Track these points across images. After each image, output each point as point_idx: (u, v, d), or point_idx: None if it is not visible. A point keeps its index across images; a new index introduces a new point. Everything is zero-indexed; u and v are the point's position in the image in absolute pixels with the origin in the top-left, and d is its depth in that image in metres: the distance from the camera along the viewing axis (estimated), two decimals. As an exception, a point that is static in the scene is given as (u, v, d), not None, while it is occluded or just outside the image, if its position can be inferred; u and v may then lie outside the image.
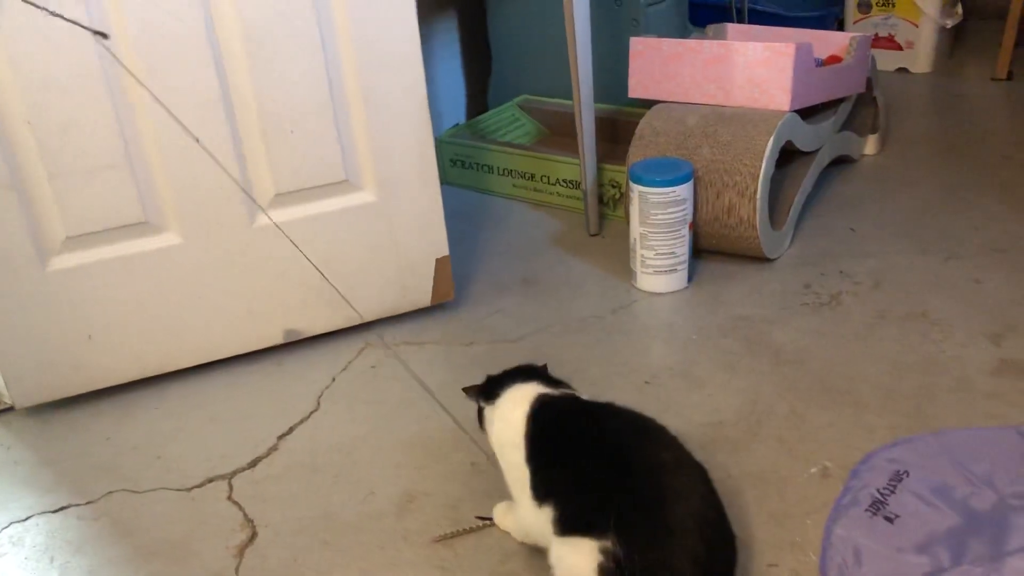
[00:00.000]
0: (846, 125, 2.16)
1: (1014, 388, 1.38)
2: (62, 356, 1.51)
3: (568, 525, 1.02)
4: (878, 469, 1.25)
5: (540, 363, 1.21)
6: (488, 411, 1.17)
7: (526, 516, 1.08)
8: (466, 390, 1.22)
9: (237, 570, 1.18)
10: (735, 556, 1.05)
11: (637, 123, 1.85)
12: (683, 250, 1.71)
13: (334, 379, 1.57)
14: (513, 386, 1.15)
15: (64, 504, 1.34)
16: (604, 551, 0.97)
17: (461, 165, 2.28)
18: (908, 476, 1.23)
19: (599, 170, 1.99)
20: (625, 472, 1.02)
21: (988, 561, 1.07)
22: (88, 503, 1.33)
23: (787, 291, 1.71)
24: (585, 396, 1.16)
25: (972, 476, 1.21)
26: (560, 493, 1.04)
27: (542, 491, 1.05)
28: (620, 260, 1.84)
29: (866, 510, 1.18)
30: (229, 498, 1.32)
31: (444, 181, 2.31)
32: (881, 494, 1.20)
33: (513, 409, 1.12)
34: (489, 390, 1.18)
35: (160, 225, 1.49)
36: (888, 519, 1.17)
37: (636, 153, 1.81)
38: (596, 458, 1.04)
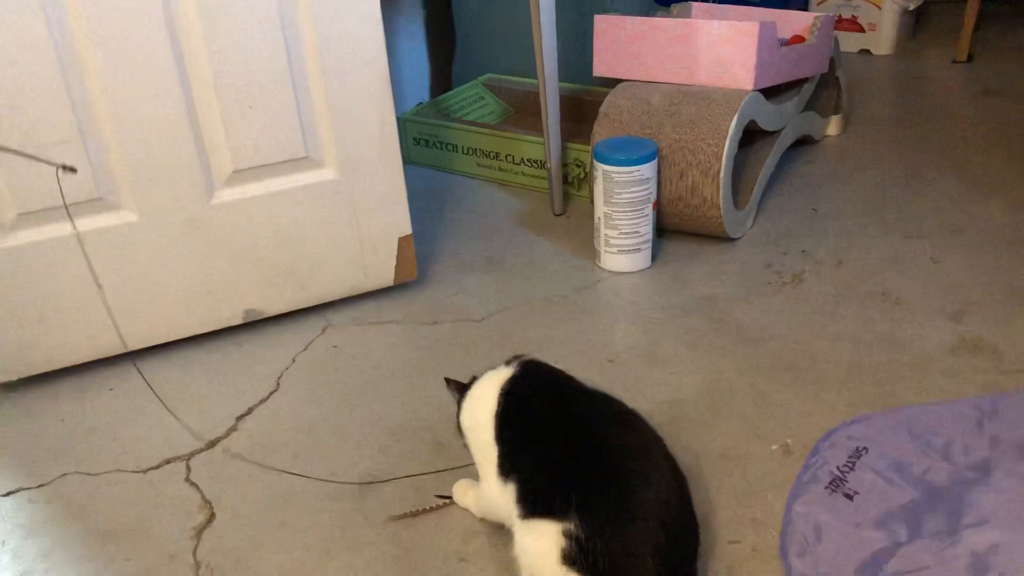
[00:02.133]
0: (809, 105, 2.17)
1: (970, 365, 1.40)
2: (14, 336, 1.47)
3: (532, 507, 1.01)
4: (838, 446, 1.26)
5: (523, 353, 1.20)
6: (462, 396, 1.16)
7: (491, 495, 1.07)
8: (448, 381, 1.20)
9: (194, 552, 1.17)
10: (697, 543, 1.05)
11: (601, 102, 1.84)
12: (647, 229, 1.70)
13: (295, 359, 1.55)
14: (489, 371, 1.14)
15: (15, 488, 1.31)
16: (567, 534, 0.97)
17: (425, 144, 2.26)
18: (867, 453, 1.24)
19: (563, 149, 1.98)
20: (590, 455, 1.01)
21: (945, 535, 1.08)
22: (40, 486, 1.30)
23: (749, 270, 1.71)
24: (564, 373, 1.15)
25: (929, 451, 1.22)
26: (525, 474, 1.03)
27: (508, 471, 1.04)
28: (584, 239, 1.83)
29: (826, 487, 1.19)
30: (187, 480, 1.30)
31: (407, 160, 2.29)
32: (841, 471, 1.21)
33: (486, 389, 1.11)
34: (469, 384, 1.17)
35: (115, 202, 1.45)
36: (848, 496, 1.17)
37: (600, 132, 1.80)
38: (563, 440, 1.03)
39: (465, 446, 1.15)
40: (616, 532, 0.96)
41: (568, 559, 0.96)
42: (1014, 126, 2.22)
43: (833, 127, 2.28)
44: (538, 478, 1.02)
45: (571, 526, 0.96)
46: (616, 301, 1.67)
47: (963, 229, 1.78)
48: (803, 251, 1.76)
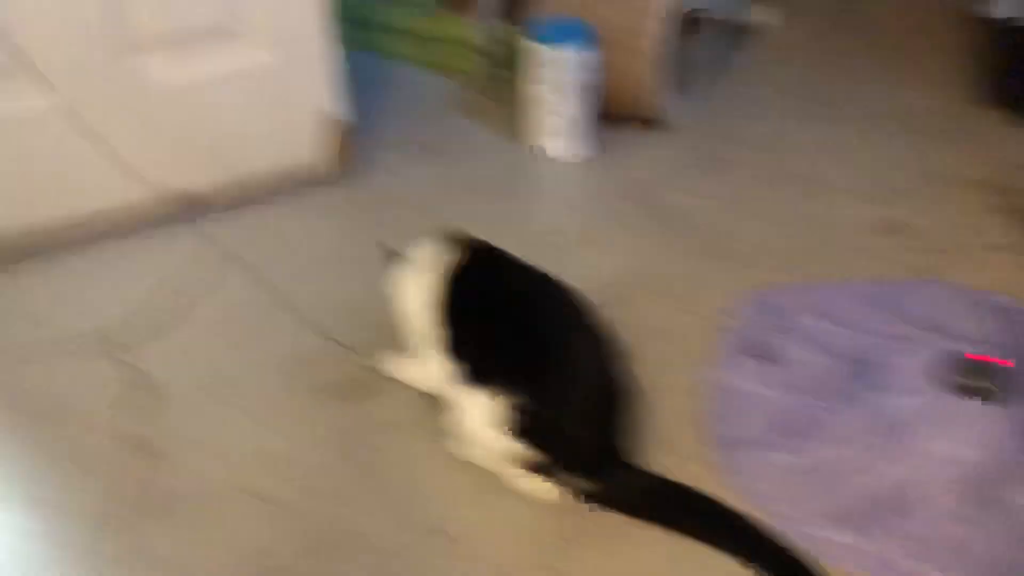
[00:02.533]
0: (745, -7, 2.16)
1: (888, 244, 1.46)
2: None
3: (473, 378, 1.04)
4: (761, 318, 1.31)
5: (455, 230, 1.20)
6: (401, 273, 1.16)
7: (432, 369, 1.10)
8: (382, 246, 1.20)
9: (131, 428, 1.17)
10: (626, 410, 1.10)
11: (537, -18, 1.80)
12: (582, 113, 1.70)
13: (231, 243, 1.52)
14: (428, 247, 1.14)
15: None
16: (503, 403, 1.01)
17: (358, 25, 2.19)
18: (791, 323, 1.29)
19: (498, 31, 1.94)
20: (528, 331, 1.05)
21: (857, 399, 1.15)
22: (-32, 368, 1.29)
23: (682, 156, 1.73)
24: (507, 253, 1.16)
25: (848, 323, 1.28)
26: (468, 351, 1.06)
27: (453, 348, 1.07)
28: (519, 123, 1.82)
29: (749, 355, 1.25)
30: (122, 360, 1.28)
31: (340, 42, 2.21)
32: (763, 340, 1.27)
33: (428, 272, 1.12)
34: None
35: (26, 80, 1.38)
36: (769, 362, 1.23)
37: (537, 13, 1.77)
38: (503, 318, 1.06)
39: (396, 316, 1.16)
40: (549, 400, 1.01)
41: (503, 425, 1.01)
42: (945, 14, 2.24)
43: (770, 15, 2.28)
44: (480, 354, 1.05)
45: (509, 395, 1.00)
46: (551, 185, 1.68)
47: (889, 115, 1.82)
48: (733, 137, 1.78)
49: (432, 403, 1.15)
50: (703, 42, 1.93)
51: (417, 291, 1.12)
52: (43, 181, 1.46)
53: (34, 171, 1.45)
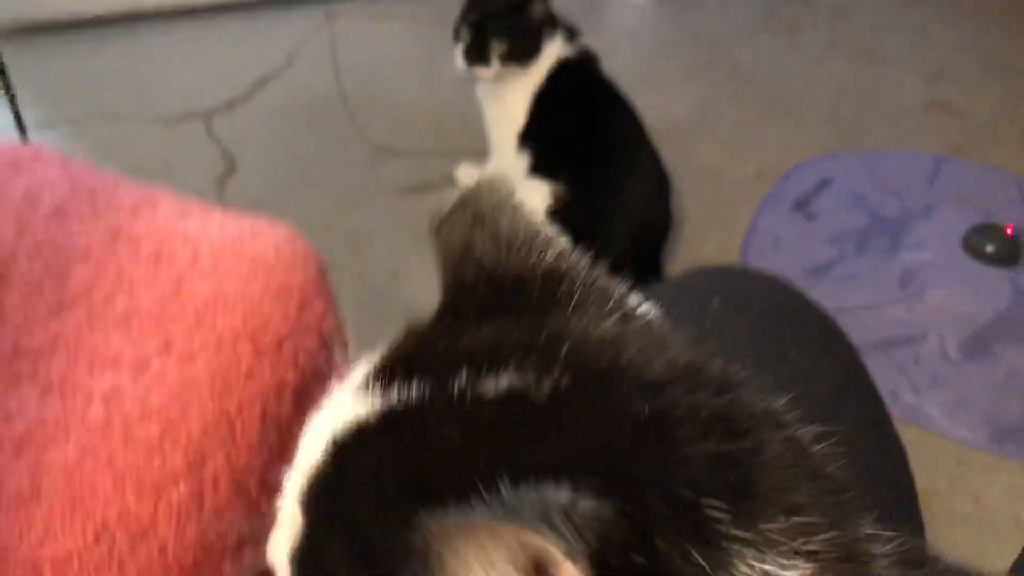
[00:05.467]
0: None
1: (937, 123, 1.53)
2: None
3: (535, 168, 1.15)
4: (807, 176, 1.40)
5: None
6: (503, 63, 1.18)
7: (506, 162, 1.20)
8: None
9: (221, 196, 1.28)
10: (667, 233, 1.20)
11: None
12: (659, -40, 1.74)
13: (307, 41, 1.60)
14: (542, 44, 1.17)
15: (46, 123, 1.37)
16: (555, 195, 1.11)
17: None
18: (831, 184, 1.38)
19: None
20: (596, 141, 1.14)
21: (885, 253, 1.26)
22: (69, 124, 1.38)
23: (751, 14, 1.77)
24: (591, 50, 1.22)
25: (886, 189, 1.37)
26: (540, 142, 1.15)
27: (527, 139, 1.16)
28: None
29: (791, 207, 1.34)
30: (208, 133, 1.38)
31: None
32: (806, 196, 1.36)
33: (541, 65, 1.16)
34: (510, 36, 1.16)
35: None
36: (808, 216, 1.33)
37: None
38: (581, 121, 1.15)
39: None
40: (596, 203, 1.11)
41: (552, 214, 1.12)
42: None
43: None
44: (549, 148, 1.15)
45: (561, 188, 1.11)
46: (620, 25, 1.73)
47: (957, 1, 1.85)
48: (805, 2, 1.82)
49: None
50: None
51: (523, 88, 1.18)
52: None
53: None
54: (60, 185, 0.44)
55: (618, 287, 0.30)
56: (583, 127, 1.14)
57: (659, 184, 1.20)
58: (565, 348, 0.26)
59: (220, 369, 0.37)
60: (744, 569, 0.22)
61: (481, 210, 0.30)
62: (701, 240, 1.28)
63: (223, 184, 1.31)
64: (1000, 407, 1.10)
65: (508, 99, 1.20)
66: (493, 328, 0.28)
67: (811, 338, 0.46)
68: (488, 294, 0.30)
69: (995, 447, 1.06)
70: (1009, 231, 1.27)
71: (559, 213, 1.11)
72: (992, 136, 1.50)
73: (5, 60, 1.45)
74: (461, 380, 0.25)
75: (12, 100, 0.80)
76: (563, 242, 0.30)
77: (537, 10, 1.13)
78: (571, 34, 1.20)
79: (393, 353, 0.28)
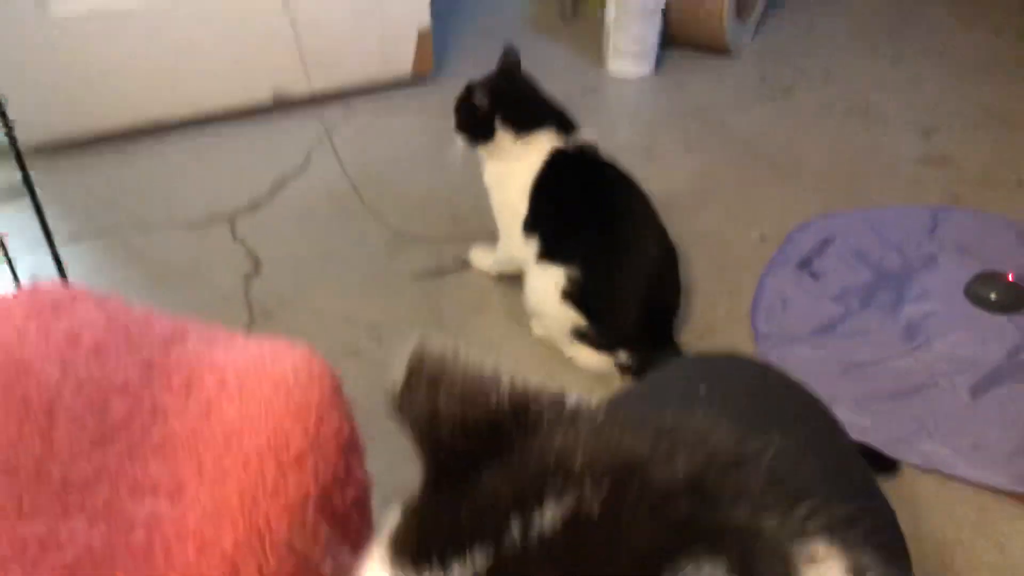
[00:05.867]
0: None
1: (933, 175, 1.57)
2: (64, 100, 1.58)
3: (545, 254, 1.20)
4: (809, 236, 1.44)
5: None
6: (499, 141, 1.25)
7: (513, 247, 1.25)
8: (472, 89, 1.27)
9: (247, 293, 1.34)
10: (678, 302, 1.24)
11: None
12: (654, 36, 1.81)
13: (322, 140, 1.68)
14: (534, 131, 1.24)
15: (78, 234, 1.46)
16: (568, 277, 1.16)
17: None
18: (834, 242, 1.42)
19: (576, -45, 2.04)
20: (601, 220, 1.19)
21: (889, 307, 1.29)
22: (100, 235, 1.46)
23: (745, 82, 1.84)
24: (591, 141, 1.27)
25: (887, 244, 1.41)
26: (546, 229, 1.21)
27: (532, 226, 1.22)
28: (592, 44, 1.93)
29: (795, 267, 1.38)
30: (232, 236, 1.45)
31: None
32: (810, 255, 1.40)
33: (534, 155, 1.22)
34: (509, 114, 1.24)
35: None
36: (813, 275, 1.37)
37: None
38: (582, 205, 1.20)
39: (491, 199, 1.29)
40: (607, 280, 1.16)
41: (566, 295, 1.16)
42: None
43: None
44: (556, 233, 1.20)
45: (573, 271, 1.16)
46: (619, 103, 1.80)
47: (946, 54, 1.91)
48: (796, 67, 1.88)
49: (508, 290, 1.30)
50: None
51: (519, 175, 1.24)
52: (166, 75, 1.62)
53: (159, 61, 1.61)
54: (97, 324, 0.49)
55: (565, 394, 0.33)
56: (586, 210, 1.19)
57: (666, 256, 1.23)
58: (578, 462, 0.28)
59: (248, 486, 0.41)
60: None
61: (432, 373, 0.33)
62: (711, 306, 1.32)
63: (249, 282, 1.37)
64: (1018, 447, 1.12)
65: (506, 186, 1.26)
66: (500, 474, 0.30)
67: (795, 419, 0.49)
68: (470, 447, 0.31)
69: (1018, 487, 1.07)
70: (1010, 277, 1.30)
71: (573, 295, 1.16)
72: (988, 185, 1.54)
73: (37, 176, 1.54)
74: (517, 530, 0.26)
75: (41, 216, 0.86)
76: (507, 373, 0.33)
77: (477, 98, 1.24)
78: (568, 127, 1.25)
79: (416, 535, 0.29)
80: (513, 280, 1.29)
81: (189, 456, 0.43)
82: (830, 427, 0.51)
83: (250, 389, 0.46)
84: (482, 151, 1.29)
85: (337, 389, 0.49)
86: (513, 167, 1.26)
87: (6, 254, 0.80)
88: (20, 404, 0.43)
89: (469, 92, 1.26)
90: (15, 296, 0.52)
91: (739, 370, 0.53)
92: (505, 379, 0.33)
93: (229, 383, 0.47)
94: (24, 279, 1.13)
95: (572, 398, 0.34)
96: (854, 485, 0.49)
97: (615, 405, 0.53)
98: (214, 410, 0.45)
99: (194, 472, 0.42)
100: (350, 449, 0.48)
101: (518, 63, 1.30)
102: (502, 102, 1.26)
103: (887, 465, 1.07)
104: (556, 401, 0.33)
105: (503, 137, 1.25)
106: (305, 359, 0.49)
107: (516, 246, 1.24)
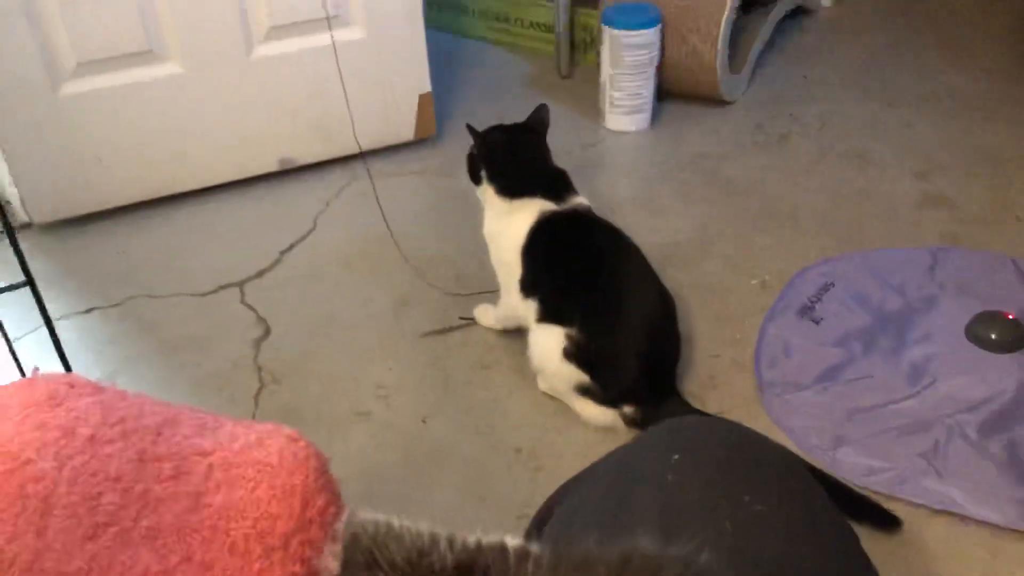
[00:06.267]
0: (806, -23, 2.27)
1: (932, 217, 1.58)
2: (74, 177, 1.62)
3: (545, 315, 1.22)
4: (809, 281, 1.45)
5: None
6: (496, 202, 1.30)
7: (513, 304, 1.27)
8: (470, 128, 1.34)
9: (256, 358, 1.37)
10: (678, 354, 1.26)
11: (610, -31, 1.94)
12: (649, 91, 1.85)
13: (328, 204, 1.72)
14: (524, 198, 1.28)
15: (91, 307, 1.49)
16: (568, 336, 1.18)
17: (438, 7, 2.36)
18: (834, 287, 1.43)
19: (571, 14, 2.09)
20: (596, 279, 1.21)
21: (891, 350, 1.29)
22: (112, 306, 1.49)
23: (741, 131, 1.87)
24: (584, 204, 1.31)
25: (887, 287, 1.42)
26: (543, 291, 1.23)
27: (530, 288, 1.24)
28: (589, 101, 1.97)
29: (796, 313, 1.39)
30: (241, 302, 1.48)
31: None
32: (810, 301, 1.41)
33: (521, 220, 1.27)
34: (496, 174, 1.31)
35: (163, 55, 1.58)
36: (814, 321, 1.38)
37: (608, -2, 1.92)
38: (575, 266, 1.23)
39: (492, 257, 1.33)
40: (607, 338, 1.18)
41: (568, 355, 1.18)
42: (1002, 1, 2.33)
43: (828, -1, 2.39)
44: (553, 295, 1.22)
45: (573, 331, 1.18)
46: (618, 157, 1.83)
47: (939, 96, 1.93)
48: (791, 114, 1.91)
49: (513, 346, 1.32)
50: (765, 24, 2.06)
51: (511, 238, 1.27)
52: (175, 149, 1.67)
53: (167, 135, 1.66)
54: (93, 414, 0.51)
55: (507, 544, 0.34)
56: (581, 271, 1.22)
57: (663, 308, 1.25)
58: None
59: (235, 571, 0.43)
60: None
61: (368, 557, 0.34)
62: (714, 355, 1.33)
63: (258, 347, 1.39)
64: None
65: (499, 244, 1.30)
66: None
67: (766, 482, 0.50)
68: None
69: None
70: (1011, 316, 1.30)
71: (574, 353, 1.18)
72: (986, 223, 1.55)
73: (47, 250, 1.58)
74: None
75: (40, 302, 0.89)
76: (442, 531, 0.35)
77: (474, 145, 1.34)
78: (561, 193, 1.29)
79: None
80: (518, 336, 1.31)
81: (178, 544, 0.45)
82: (805, 490, 0.53)
83: (236, 475, 0.48)
84: (480, 196, 1.34)
85: (323, 470, 0.51)
86: (503, 224, 1.29)
87: (8, 342, 0.83)
88: (17, 499, 0.45)
89: (481, 135, 1.33)
90: (14, 387, 0.54)
91: (713, 435, 0.54)
92: (444, 542, 0.35)
93: (216, 470, 0.49)
94: (30, 359, 1.16)
95: (514, 546, 0.35)
96: (827, 547, 0.50)
97: (570, 513, 0.54)
98: (202, 497, 0.47)
99: (182, 559, 0.44)
100: (336, 530, 0.49)
101: (542, 122, 1.35)
102: (493, 160, 1.30)
103: (887, 520, 1.06)
104: (500, 554, 0.35)
105: (488, 189, 1.30)
106: (291, 442, 0.51)
107: (515, 302, 1.27)
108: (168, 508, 0.46)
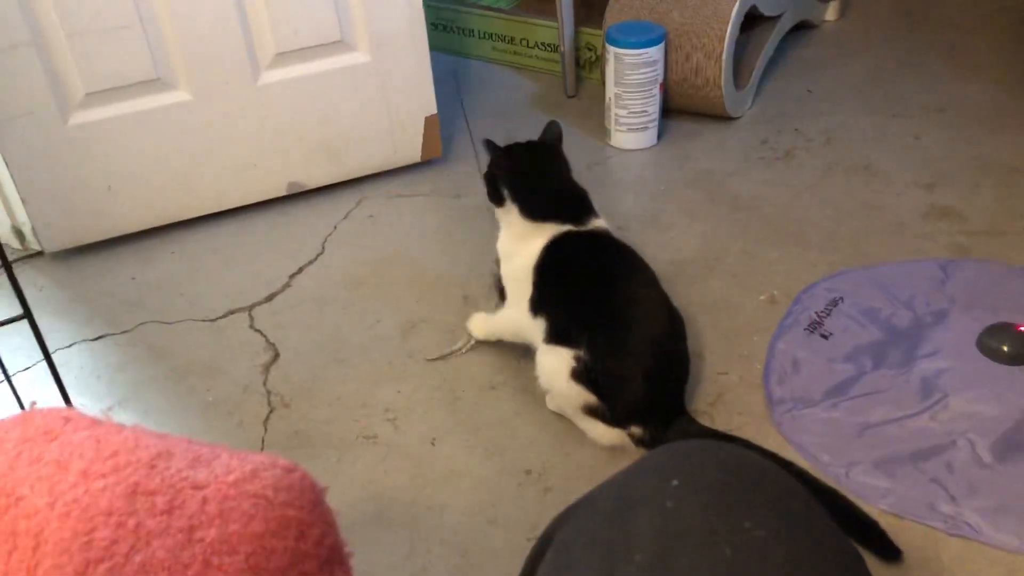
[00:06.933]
0: (810, -9, 2.27)
1: (939, 229, 1.57)
2: (85, 205, 1.64)
3: (553, 336, 1.22)
4: (817, 296, 1.45)
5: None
6: (517, 223, 1.30)
7: (517, 319, 1.28)
8: (488, 142, 1.34)
9: (264, 384, 1.37)
10: (686, 372, 1.25)
11: (612, -12, 1.95)
12: (654, 109, 1.85)
13: (336, 227, 1.73)
14: (548, 222, 1.28)
15: (101, 333, 1.51)
16: (576, 358, 1.18)
17: (443, 29, 2.37)
18: (842, 302, 1.42)
19: (576, 33, 2.10)
20: (604, 301, 1.21)
21: (901, 365, 1.28)
22: (123, 332, 1.50)
23: (746, 146, 1.87)
24: (603, 226, 1.31)
25: (896, 301, 1.41)
26: (552, 312, 1.23)
27: (539, 307, 1.24)
28: (594, 119, 1.98)
29: (805, 329, 1.39)
30: (251, 327, 1.49)
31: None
32: (819, 316, 1.40)
33: (538, 241, 1.27)
34: (520, 196, 1.30)
35: (171, 83, 1.60)
36: (823, 336, 1.37)
37: (611, 17, 1.93)
38: (584, 287, 1.23)
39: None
40: (614, 359, 1.18)
41: (575, 376, 1.18)
42: (1006, 12, 2.32)
43: (832, 12, 2.39)
44: (561, 316, 1.22)
45: (580, 352, 1.18)
46: (624, 175, 1.83)
47: (945, 109, 1.93)
48: (796, 129, 1.91)
49: (526, 367, 1.32)
50: (769, 39, 2.06)
51: (524, 256, 1.28)
52: (183, 175, 1.68)
53: (176, 162, 1.67)
54: (87, 449, 0.52)
55: None
56: (588, 291, 1.22)
57: (672, 329, 1.25)
58: None
59: (228, 605, 0.43)
60: None
61: None
62: (723, 372, 1.33)
63: (268, 371, 1.40)
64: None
65: (513, 262, 1.31)
66: None
67: (767, 507, 0.50)
68: None
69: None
70: (1022, 327, 1.29)
71: (582, 375, 1.18)
72: (995, 235, 1.54)
73: (59, 278, 1.59)
74: None
75: (38, 336, 0.89)
76: None
77: (494, 164, 1.34)
78: (581, 218, 1.30)
79: None
80: (525, 357, 1.31)
81: (171, 579, 0.45)
82: (808, 513, 0.52)
83: (230, 508, 0.49)
84: (499, 216, 1.34)
85: (319, 502, 0.51)
86: (520, 245, 1.29)
87: (7, 376, 0.84)
88: (9, 536, 0.46)
89: (500, 152, 1.33)
90: (11, 421, 0.55)
91: (712, 460, 0.54)
92: None
93: (210, 503, 0.49)
94: (37, 390, 1.17)
95: None
96: (830, 574, 0.49)
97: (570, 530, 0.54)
98: (195, 531, 0.47)
99: (175, 596, 0.44)
100: (333, 560, 0.49)
101: (558, 138, 1.36)
102: (517, 180, 1.31)
103: (889, 551, 1.05)
104: None
105: (511, 211, 1.30)
106: (287, 474, 0.51)
107: (522, 318, 1.27)
108: (161, 543, 0.46)
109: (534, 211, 1.29)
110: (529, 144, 1.36)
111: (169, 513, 0.49)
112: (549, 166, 1.34)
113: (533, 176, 1.32)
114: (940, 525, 1.09)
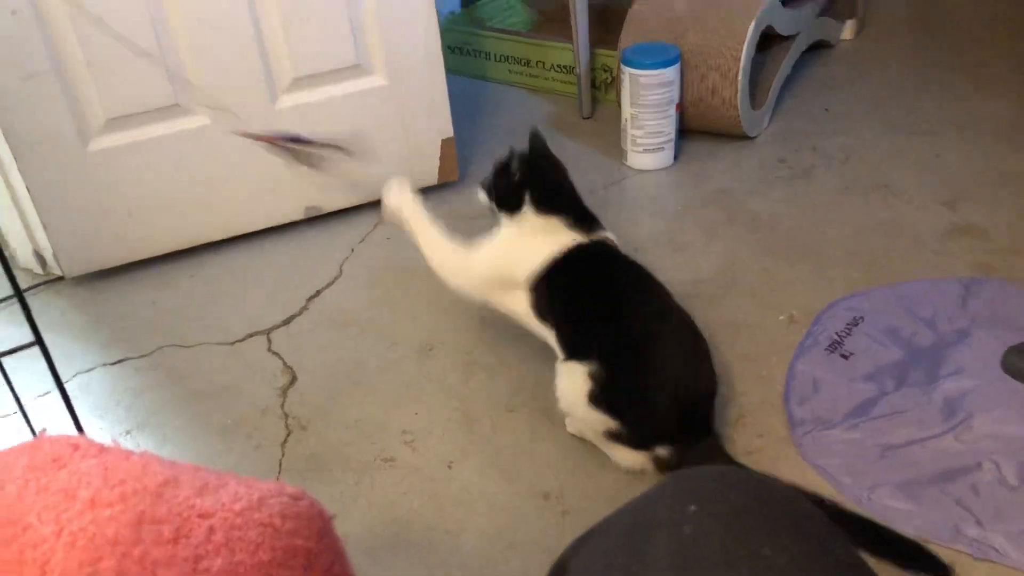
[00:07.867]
0: (825, 10, 2.27)
1: (960, 247, 1.56)
2: (105, 230, 1.66)
3: (569, 352, 1.21)
4: (838, 316, 1.43)
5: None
6: (518, 223, 1.31)
7: (474, 268, 1.34)
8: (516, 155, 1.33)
9: (282, 406, 1.37)
10: (714, 391, 1.23)
11: (628, 10, 1.96)
12: (670, 129, 1.85)
13: (353, 250, 1.73)
14: (549, 216, 1.28)
15: (121, 357, 1.51)
16: (591, 376, 1.16)
17: (460, 52, 2.39)
18: (863, 321, 1.41)
19: (591, 55, 2.11)
20: (618, 315, 1.20)
21: (924, 385, 1.26)
22: (142, 356, 1.51)
23: (764, 166, 1.86)
24: (611, 237, 1.31)
25: (917, 320, 1.39)
26: (566, 332, 1.22)
27: (547, 317, 1.24)
28: (611, 140, 1.98)
29: (825, 349, 1.37)
30: (269, 350, 1.49)
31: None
32: (839, 336, 1.39)
33: (548, 243, 1.26)
34: (536, 190, 1.29)
35: (190, 108, 1.62)
36: (844, 356, 1.35)
37: (627, 38, 1.93)
38: (598, 300, 1.22)
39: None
40: (631, 376, 1.16)
41: (593, 400, 1.17)
42: (1021, 27, 2.31)
43: (848, 31, 2.38)
44: (574, 332, 1.21)
45: (594, 367, 1.16)
46: (641, 195, 1.82)
47: (965, 126, 1.91)
48: (814, 148, 1.90)
49: (546, 388, 1.31)
50: (785, 59, 2.05)
51: (528, 264, 1.27)
52: (201, 200, 1.70)
53: (195, 186, 1.69)
54: (95, 477, 0.52)
55: None
56: (602, 305, 1.21)
57: (694, 348, 1.23)
58: None
59: (235, 635, 0.43)
60: None
61: None
62: (743, 393, 1.31)
63: (285, 394, 1.40)
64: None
65: (515, 255, 1.30)
66: None
67: (787, 533, 0.49)
68: None
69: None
70: (1045, 347, 1.27)
71: (599, 396, 1.16)
72: (1017, 252, 1.52)
73: (79, 303, 1.60)
74: None
75: (50, 363, 0.89)
76: None
77: (513, 167, 1.33)
78: (591, 226, 1.29)
79: None
80: (544, 377, 1.30)
81: (177, 609, 0.44)
82: (827, 539, 0.51)
83: (237, 537, 0.48)
84: (504, 218, 1.34)
85: (327, 530, 0.51)
86: (529, 241, 1.29)
87: (18, 403, 0.84)
88: (16, 565, 0.46)
89: (508, 160, 1.33)
90: (20, 448, 0.55)
91: (730, 485, 0.53)
92: None
93: (217, 532, 0.49)
94: (54, 416, 1.18)
95: None
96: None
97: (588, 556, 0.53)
98: (201, 561, 0.47)
99: (181, 625, 0.43)
100: (341, 586, 0.49)
101: (544, 144, 1.34)
102: (539, 177, 1.31)
103: (938, 568, 1.02)
104: None
105: (528, 211, 1.30)
106: (294, 502, 0.51)
107: (480, 269, 1.32)
108: (166, 573, 0.46)
109: (549, 201, 1.28)
110: (533, 151, 1.34)
111: (175, 542, 0.48)
112: (560, 168, 1.34)
113: (554, 173, 1.33)
114: (966, 549, 1.06)
